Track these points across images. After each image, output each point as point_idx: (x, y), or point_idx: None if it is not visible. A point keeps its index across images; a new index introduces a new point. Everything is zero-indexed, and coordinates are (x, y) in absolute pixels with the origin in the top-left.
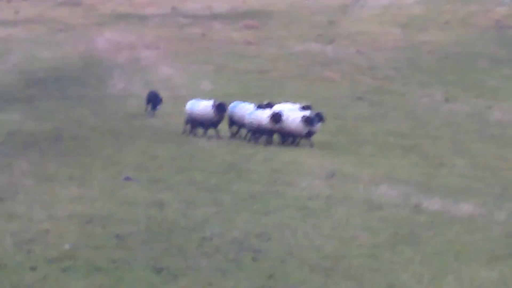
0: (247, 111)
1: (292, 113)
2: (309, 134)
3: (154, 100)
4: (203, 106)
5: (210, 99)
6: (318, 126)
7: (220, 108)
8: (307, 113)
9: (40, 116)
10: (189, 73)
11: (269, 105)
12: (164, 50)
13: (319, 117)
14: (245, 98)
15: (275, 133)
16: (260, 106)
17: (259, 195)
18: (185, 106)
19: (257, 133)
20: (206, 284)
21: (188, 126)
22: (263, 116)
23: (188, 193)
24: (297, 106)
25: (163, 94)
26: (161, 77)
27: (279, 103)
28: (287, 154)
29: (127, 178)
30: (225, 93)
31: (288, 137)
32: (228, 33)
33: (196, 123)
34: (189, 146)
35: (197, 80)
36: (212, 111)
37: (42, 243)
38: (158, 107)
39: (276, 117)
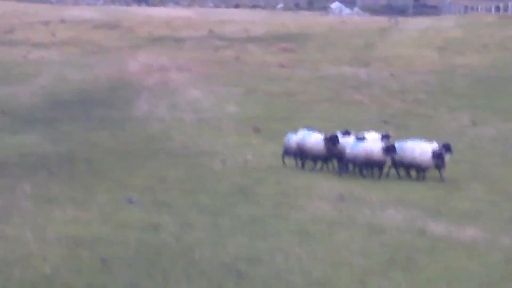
0: (347, 143)
1: (419, 146)
2: (439, 167)
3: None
4: (314, 139)
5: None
6: (448, 158)
7: (333, 141)
8: (435, 146)
9: (58, 138)
10: (217, 96)
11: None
12: (196, 73)
13: (447, 148)
14: (270, 120)
15: (386, 165)
16: (358, 138)
17: (260, 219)
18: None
19: (364, 166)
20: None
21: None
22: (374, 148)
23: (188, 216)
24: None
25: (187, 116)
26: (188, 99)
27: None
28: (300, 178)
29: (130, 201)
30: (250, 115)
31: (413, 170)
32: (263, 56)
33: (306, 155)
34: (202, 169)
35: (224, 102)
36: (323, 144)
37: (24, 266)
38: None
39: (390, 149)
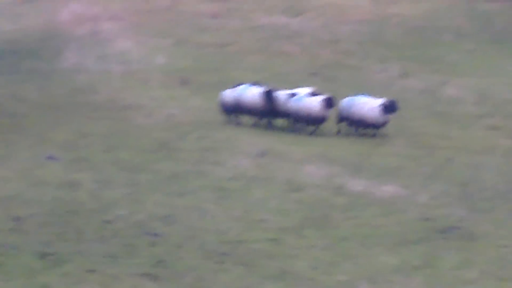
0: (289, 98)
1: (368, 101)
2: (384, 124)
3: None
4: (251, 94)
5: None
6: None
7: (270, 96)
8: (384, 101)
9: None
10: (146, 47)
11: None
12: (128, 23)
13: (394, 106)
14: (199, 72)
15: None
16: (291, 94)
17: (180, 175)
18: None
19: (306, 122)
20: (89, 270)
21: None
22: (314, 102)
23: (107, 173)
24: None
25: (115, 68)
26: (117, 50)
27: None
28: (224, 133)
29: (50, 157)
30: (178, 67)
31: (359, 127)
32: (196, 5)
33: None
34: (125, 123)
35: (154, 54)
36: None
37: None
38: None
39: (329, 102)
